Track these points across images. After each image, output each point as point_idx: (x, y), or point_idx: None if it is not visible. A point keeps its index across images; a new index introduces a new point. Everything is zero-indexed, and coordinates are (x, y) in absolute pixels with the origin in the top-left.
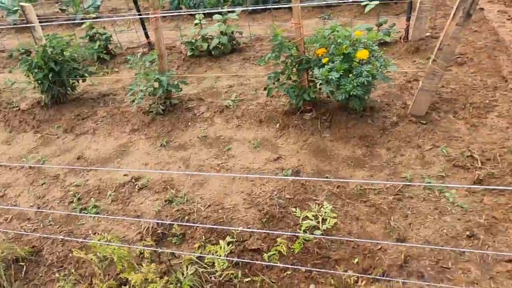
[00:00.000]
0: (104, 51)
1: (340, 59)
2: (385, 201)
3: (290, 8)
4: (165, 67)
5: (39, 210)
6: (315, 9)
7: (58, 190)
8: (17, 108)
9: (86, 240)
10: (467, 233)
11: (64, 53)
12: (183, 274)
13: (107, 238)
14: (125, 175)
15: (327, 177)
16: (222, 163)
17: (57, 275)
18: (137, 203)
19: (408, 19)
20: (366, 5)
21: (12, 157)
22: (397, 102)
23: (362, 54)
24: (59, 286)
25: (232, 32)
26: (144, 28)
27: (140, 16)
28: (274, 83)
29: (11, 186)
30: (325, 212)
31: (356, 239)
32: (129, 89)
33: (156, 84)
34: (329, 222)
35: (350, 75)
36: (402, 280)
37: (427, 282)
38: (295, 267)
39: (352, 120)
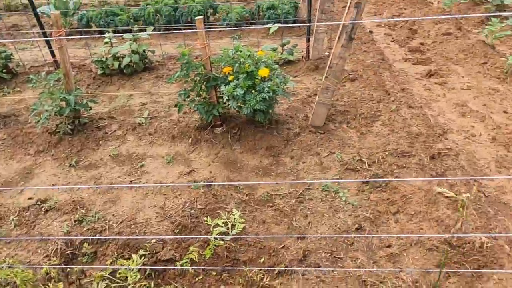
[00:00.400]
0: (4, 70)
1: (244, 76)
2: (288, 204)
3: None
4: (72, 86)
5: None
6: (228, 30)
7: None
8: None
9: None
10: (356, 226)
11: None
12: None
13: (8, 262)
14: (29, 198)
15: (236, 187)
16: (135, 180)
17: None
18: (43, 226)
19: (308, 40)
20: (270, 28)
21: None
22: (300, 114)
23: (263, 72)
24: None
25: (144, 51)
26: (50, 47)
27: (45, 38)
28: (184, 100)
29: None
30: (234, 219)
31: (258, 237)
32: (32, 109)
33: (63, 104)
34: (237, 227)
35: (254, 91)
36: (298, 269)
37: (322, 271)
38: (207, 268)
39: (259, 132)
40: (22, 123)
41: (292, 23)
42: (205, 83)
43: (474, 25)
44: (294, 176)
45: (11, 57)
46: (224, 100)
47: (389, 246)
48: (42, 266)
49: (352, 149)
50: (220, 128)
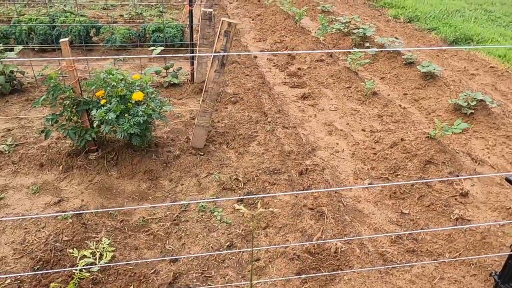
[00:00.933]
0: None
1: (116, 100)
2: (163, 227)
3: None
4: None
5: None
6: (112, 51)
7: None
8: None
9: None
10: (228, 243)
11: None
12: None
13: None
14: None
15: (111, 213)
16: None
17: None
18: None
19: (192, 64)
20: (153, 50)
21: None
22: (182, 137)
23: (137, 96)
24: None
25: (12, 72)
26: None
27: None
28: (52, 125)
29: None
30: (103, 248)
31: (127, 263)
32: None
33: None
34: (106, 257)
35: (127, 115)
36: None
37: None
38: None
39: (137, 156)
40: None
41: (179, 47)
42: (75, 107)
43: (344, 53)
44: (171, 199)
45: None
46: (95, 125)
47: (257, 260)
48: None
49: (230, 168)
50: (95, 153)
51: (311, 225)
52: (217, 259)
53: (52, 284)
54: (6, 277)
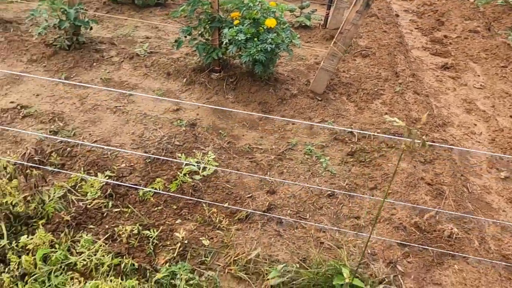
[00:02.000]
0: None
1: (249, 23)
2: (266, 159)
3: None
4: (76, 1)
5: None
6: None
7: None
8: None
9: None
10: (329, 192)
11: None
12: (49, 196)
13: None
14: (11, 102)
15: (220, 133)
16: (120, 106)
17: None
18: (18, 130)
19: (328, 8)
20: None
21: None
22: (302, 78)
23: (270, 22)
24: None
25: None
26: None
27: None
28: (185, 37)
29: None
30: (208, 160)
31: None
32: (30, 14)
33: (64, 17)
34: (209, 170)
35: (256, 39)
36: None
37: (283, 227)
38: (169, 200)
39: (255, 86)
40: (22, 31)
41: None
42: (209, 23)
43: (505, 28)
44: (280, 135)
45: None
46: (224, 43)
47: (357, 218)
48: (10, 159)
49: (345, 120)
50: (217, 74)
51: (426, 201)
52: (315, 204)
53: (158, 179)
54: (123, 161)
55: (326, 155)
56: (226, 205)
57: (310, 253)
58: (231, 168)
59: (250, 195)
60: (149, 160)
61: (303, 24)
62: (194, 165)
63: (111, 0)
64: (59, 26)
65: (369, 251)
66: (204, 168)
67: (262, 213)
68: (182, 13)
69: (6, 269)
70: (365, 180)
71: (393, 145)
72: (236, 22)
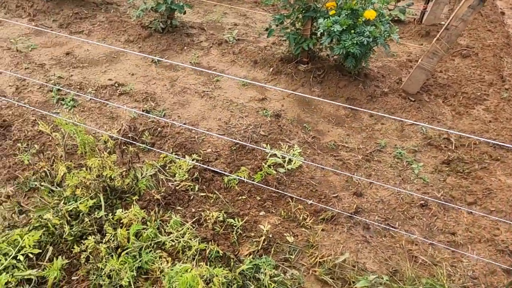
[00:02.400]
0: None
1: (346, 13)
2: (353, 159)
3: None
4: None
5: (18, 89)
6: None
7: (40, 77)
8: None
9: (52, 115)
10: (421, 202)
11: None
12: (142, 173)
13: (74, 120)
14: (109, 79)
15: (305, 127)
16: (207, 91)
17: (20, 148)
18: (114, 106)
19: (427, 2)
20: None
21: (1, 38)
22: (393, 76)
23: (370, 14)
24: (18, 158)
25: None
26: None
27: None
28: (277, 26)
29: None
30: (294, 154)
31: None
32: None
33: (161, 0)
34: (294, 163)
35: (352, 31)
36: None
37: (370, 233)
38: (254, 190)
39: (344, 81)
40: (121, 12)
41: None
42: (303, 12)
43: None
44: (367, 135)
45: None
46: (318, 34)
47: (453, 234)
48: (103, 132)
49: (441, 125)
50: (305, 66)
51: None
52: (405, 213)
53: (242, 168)
54: (209, 146)
55: (418, 161)
56: (310, 202)
57: (401, 266)
58: (316, 163)
59: (335, 195)
60: (235, 147)
61: (396, 18)
62: (279, 157)
63: None
64: (156, 9)
65: (469, 274)
66: (290, 161)
67: (349, 215)
68: (277, 1)
69: (103, 240)
70: (462, 193)
71: (499, 157)
72: (332, 12)
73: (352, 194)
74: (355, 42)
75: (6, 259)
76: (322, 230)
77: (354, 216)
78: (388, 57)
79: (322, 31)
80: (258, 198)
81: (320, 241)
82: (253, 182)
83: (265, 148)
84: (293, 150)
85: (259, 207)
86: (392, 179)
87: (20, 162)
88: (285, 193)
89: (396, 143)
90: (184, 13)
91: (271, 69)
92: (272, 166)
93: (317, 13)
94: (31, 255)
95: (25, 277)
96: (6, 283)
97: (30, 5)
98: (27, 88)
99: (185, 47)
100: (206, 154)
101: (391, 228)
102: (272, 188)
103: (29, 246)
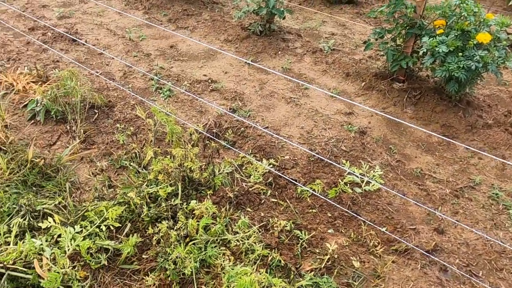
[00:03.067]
0: None
1: (456, 34)
2: (440, 191)
3: None
4: None
5: (125, 75)
6: None
7: (145, 65)
8: None
9: (149, 102)
10: None
11: None
12: (219, 169)
13: (167, 110)
14: (204, 75)
15: (390, 148)
16: (294, 97)
17: (118, 128)
18: (204, 101)
19: None
20: None
21: (119, 26)
22: (501, 108)
23: (484, 37)
24: (115, 137)
25: None
26: None
27: None
28: (376, 40)
29: (110, 49)
30: (374, 176)
31: (390, 205)
32: None
33: (263, 4)
34: (373, 186)
35: (460, 54)
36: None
37: (447, 277)
38: (325, 206)
39: (442, 105)
40: (225, 12)
41: None
42: (407, 28)
43: None
44: (461, 167)
45: None
46: (420, 53)
47: None
48: (190, 124)
49: None
50: (400, 84)
51: None
52: (493, 262)
53: (318, 180)
54: (287, 153)
55: None
56: (384, 229)
57: None
58: (397, 190)
59: (413, 226)
60: (313, 159)
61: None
62: (358, 176)
63: None
64: (257, 12)
65: None
66: (368, 183)
67: (425, 252)
68: (380, 14)
69: (175, 226)
70: None
71: None
72: (439, 31)
73: (433, 230)
74: (461, 66)
75: (90, 227)
76: (393, 262)
77: (432, 254)
78: (499, 86)
79: (425, 50)
80: (329, 214)
81: (388, 273)
82: (326, 197)
83: (344, 164)
84: (374, 171)
85: (329, 224)
86: (482, 221)
87: (116, 141)
88: (358, 215)
89: (494, 183)
90: (284, 18)
91: (363, 83)
92: (348, 184)
93: (422, 30)
94: (111, 227)
95: (104, 246)
96: (87, 248)
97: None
98: (132, 74)
99: (279, 52)
100: (284, 161)
101: (472, 276)
102: (345, 208)
103: (112, 219)
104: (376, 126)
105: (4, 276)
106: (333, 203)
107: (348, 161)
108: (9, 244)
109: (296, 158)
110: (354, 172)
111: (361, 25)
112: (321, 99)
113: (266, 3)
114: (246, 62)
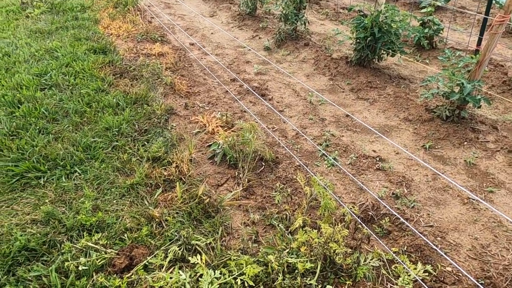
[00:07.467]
0: (427, 40)
1: None
2: None
3: None
4: (478, 76)
5: (297, 135)
6: None
7: (318, 129)
8: (329, 55)
9: (311, 172)
10: None
11: (392, 25)
12: (365, 259)
13: (325, 182)
14: (373, 150)
15: None
16: (473, 199)
17: (278, 187)
18: (367, 179)
19: None
20: None
21: (303, 88)
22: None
23: None
24: (273, 193)
25: None
26: (481, 34)
27: (485, 16)
28: None
29: (291, 108)
30: None
31: None
32: (426, 79)
33: (456, 89)
34: None
35: None
36: None
37: None
38: None
39: None
40: (411, 89)
41: None
42: None
43: None
44: None
45: (440, 32)
46: None
47: None
48: (345, 205)
49: None
50: None
51: None
52: None
53: None
54: (450, 264)
55: None
56: None
57: None
58: None
59: None
60: (483, 281)
61: None
62: None
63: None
64: (448, 96)
65: None
66: None
67: None
68: None
69: None
70: None
71: None
72: None
73: None
74: None
75: (229, 276)
76: None
77: None
78: None
79: None
80: None
81: None
82: None
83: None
84: None
85: None
86: None
87: (273, 197)
88: None
89: None
90: (479, 107)
91: None
92: None
93: None
94: (246, 284)
95: None
96: None
97: (335, 67)
98: (303, 136)
99: (466, 143)
100: (443, 272)
101: None
102: None
103: (248, 275)
104: None
105: None
106: None
107: None
108: (162, 267)
109: (461, 275)
110: None
111: None
112: (510, 209)
113: (461, 89)
114: (423, 146)
